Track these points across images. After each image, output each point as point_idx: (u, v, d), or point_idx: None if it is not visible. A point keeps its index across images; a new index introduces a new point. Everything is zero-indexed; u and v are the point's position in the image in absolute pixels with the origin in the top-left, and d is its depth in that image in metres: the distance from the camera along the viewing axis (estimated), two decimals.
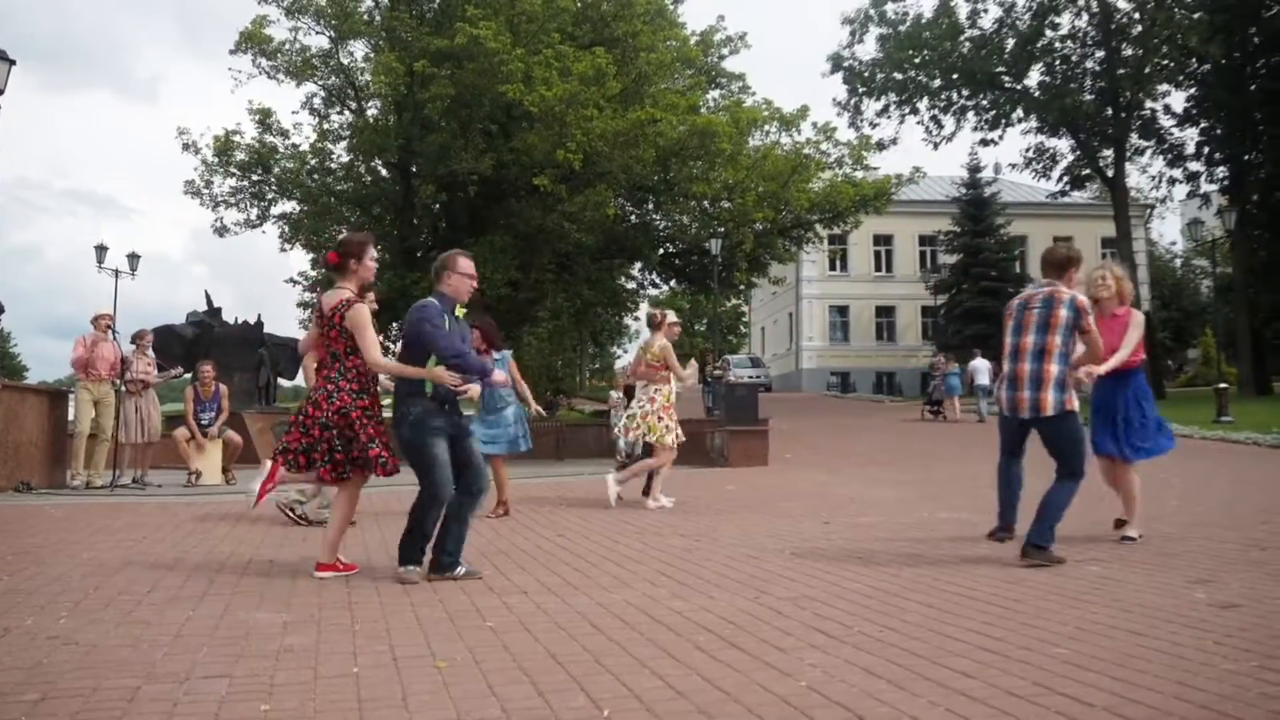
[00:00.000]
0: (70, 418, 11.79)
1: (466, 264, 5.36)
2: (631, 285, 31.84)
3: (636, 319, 37.54)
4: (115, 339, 11.48)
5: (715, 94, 28.95)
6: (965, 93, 35.29)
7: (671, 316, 9.37)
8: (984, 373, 24.72)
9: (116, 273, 28.55)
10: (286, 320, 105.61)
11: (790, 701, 2.95)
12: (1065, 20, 33.91)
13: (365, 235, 5.46)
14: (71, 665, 3.43)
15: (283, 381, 20.94)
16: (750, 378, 34.39)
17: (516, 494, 10.36)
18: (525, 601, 4.58)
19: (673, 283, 32.95)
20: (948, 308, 42.29)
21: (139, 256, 29.25)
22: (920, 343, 44.59)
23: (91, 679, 3.24)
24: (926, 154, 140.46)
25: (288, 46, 25.91)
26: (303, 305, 30.04)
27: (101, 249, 28.12)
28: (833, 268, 47.54)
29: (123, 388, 11.46)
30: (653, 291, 34.85)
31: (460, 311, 5.33)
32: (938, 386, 26.64)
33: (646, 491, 9.23)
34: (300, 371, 7.86)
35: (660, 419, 8.93)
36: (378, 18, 26.45)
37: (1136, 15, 32.23)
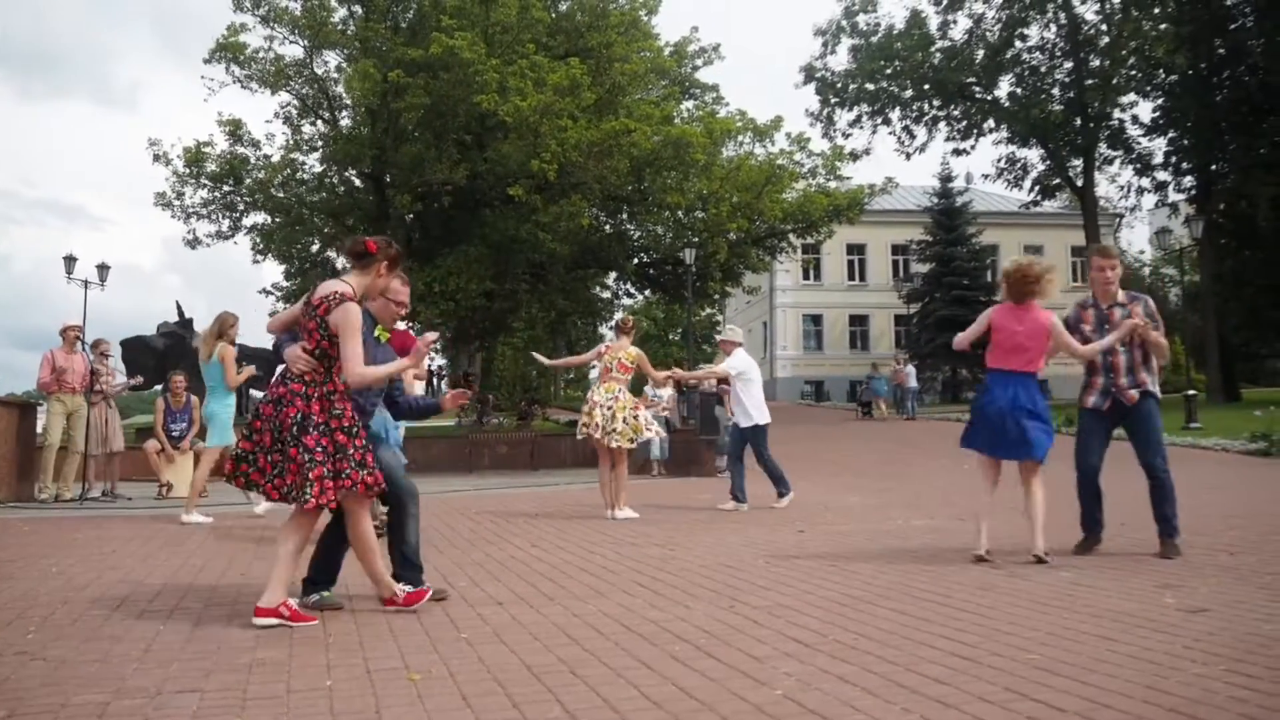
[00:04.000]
0: (39, 430, 11.65)
1: (400, 291, 4.96)
2: (606, 295, 31.88)
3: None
4: (85, 350, 11.37)
5: (689, 105, 29.10)
6: (936, 103, 35.62)
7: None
8: (912, 377, 29.75)
9: (86, 283, 28.29)
10: (260, 331, 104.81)
11: (765, 710, 2.95)
12: (1034, 32, 34.38)
13: (404, 256, 4.87)
14: (39, 681, 3.38)
15: (255, 393, 20.80)
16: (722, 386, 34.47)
17: (493, 506, 10.34)
18: (500, 612, 4.56)
19: (647, 292, 33.02)
20: (920, 316, 42.58)
21: (108, 267, 29.01)
22: (894, 351, 44.87)
23: (60, 695, 3.20)
24: (899, 164, 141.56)
25: (262, 55, 25.84)
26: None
27: (70, 259, 27.85)
28: (806, 277, 47.71)
29: (90, 399, 11.34)
30: (627, 301, 34.90)
31: (385, 335, 4.93)
32: (865, 389, 31.04)
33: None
34: None
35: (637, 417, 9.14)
36: (352, 28, 26.42)
37: (1104, 26, 32.66)
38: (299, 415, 4.29)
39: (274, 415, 4.34)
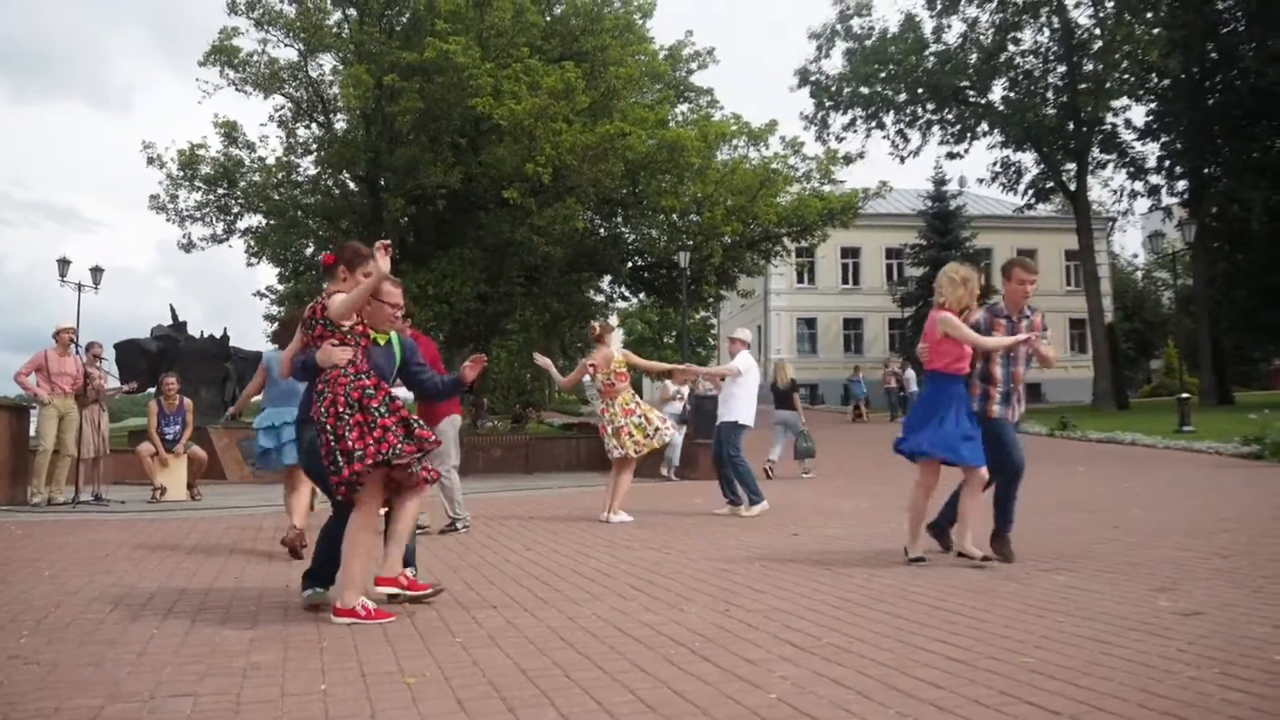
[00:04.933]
0: (32, 434, 11.62)
1: (391, 292, 4.92)
2: (600, 298, 31.87)
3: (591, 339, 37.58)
4: (78, 353, 11.35)
5: (684, 108, 29.11)
6: (930, 107, 35.65)
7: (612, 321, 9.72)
8: (912, 381, 29.52)
9: (79, 286, 28.22)
10: (254, 334, 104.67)
11: (760, 714, 2.96)
12: (1027, 36, 34.43)
13: (369, 249, 4.83)
14: (32, 685, 3.38)
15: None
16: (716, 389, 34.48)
17: (488, 509, 10.33)
18: (494, 616, 4.56)
19: (641, 296, 32.99)
20: (914, 320, 42.62)
21: (102, 270, 28.92)
22: (888, 354, 44.93)
23: (53, 699, 3.19)
24: (893, 167, 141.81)
25: (256, 58, 25.83)
26: (270, 319, 29.83)
27: (64, 262, 27.77)
28: (800, 280, 47.72)
29: (83, 401, 11.31)
30: (621, 305, 34.90)
31: (383, 338, 4.90)
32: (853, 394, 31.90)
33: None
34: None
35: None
36: (347, 31, 26.40)
37: (1097, 31, 32.76)
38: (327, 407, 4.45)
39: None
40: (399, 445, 4.41)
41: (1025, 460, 6.10)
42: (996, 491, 6.10)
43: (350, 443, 4.35)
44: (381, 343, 4.90)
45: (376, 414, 4.43)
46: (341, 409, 4.40)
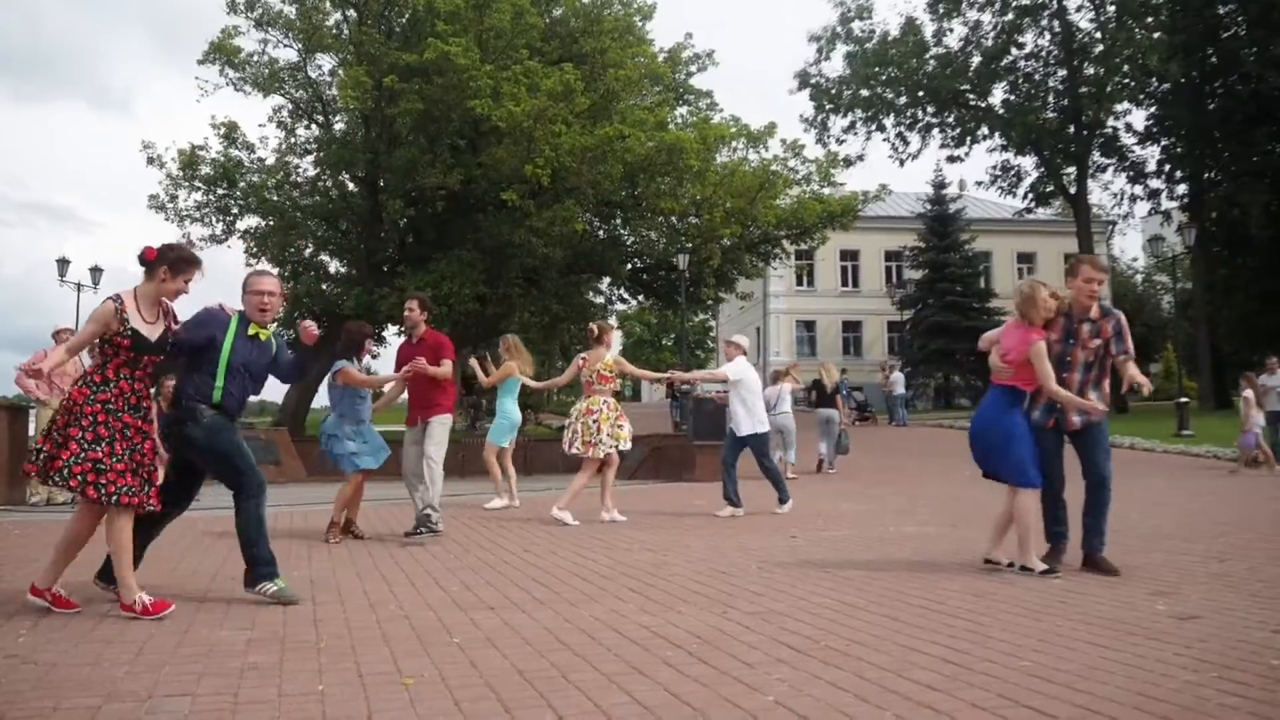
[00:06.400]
0: (31, 434, 11.61)
1: (258, 281, 5.15)
2: (600, 300, 31.89)
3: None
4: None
5: (683, 110, 29.12)
6: (930, 110, 35.67)
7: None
8: (899, 384, 30.15)
9: (79, 286, 28.23)
10: None
11: (758, 716, 2.96)
12: (1029, 39, 34.44)
13: (197, 259, 4.91)
14: (30, 684, 3.37)
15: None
16: (719, 392, 34.47)
17: (486, 510, 10.32)
18: (492, 617, 4.56)
19: (640, 298, 32.99)
20: (913, 322, 42.65)
21: (101, 270, 28.94)
22: (887, 357, 44.94)
23: (51, 698, 3.19)
24: (893, 170, 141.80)
25: (256, 59, 25.86)
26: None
27: (64, 262, 27.79)
28: (800, 283, 47.75)
29: None
30: (620, 306, 34.88)
31: (264, 334, 5.13)
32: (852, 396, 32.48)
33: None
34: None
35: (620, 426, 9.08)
36: (346, 32, 26.41)
37: (1098, 35, 32.77)
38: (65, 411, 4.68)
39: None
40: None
41: (1053, 486, 5.82)
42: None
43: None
44: (263, 338, 5.13)
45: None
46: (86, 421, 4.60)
